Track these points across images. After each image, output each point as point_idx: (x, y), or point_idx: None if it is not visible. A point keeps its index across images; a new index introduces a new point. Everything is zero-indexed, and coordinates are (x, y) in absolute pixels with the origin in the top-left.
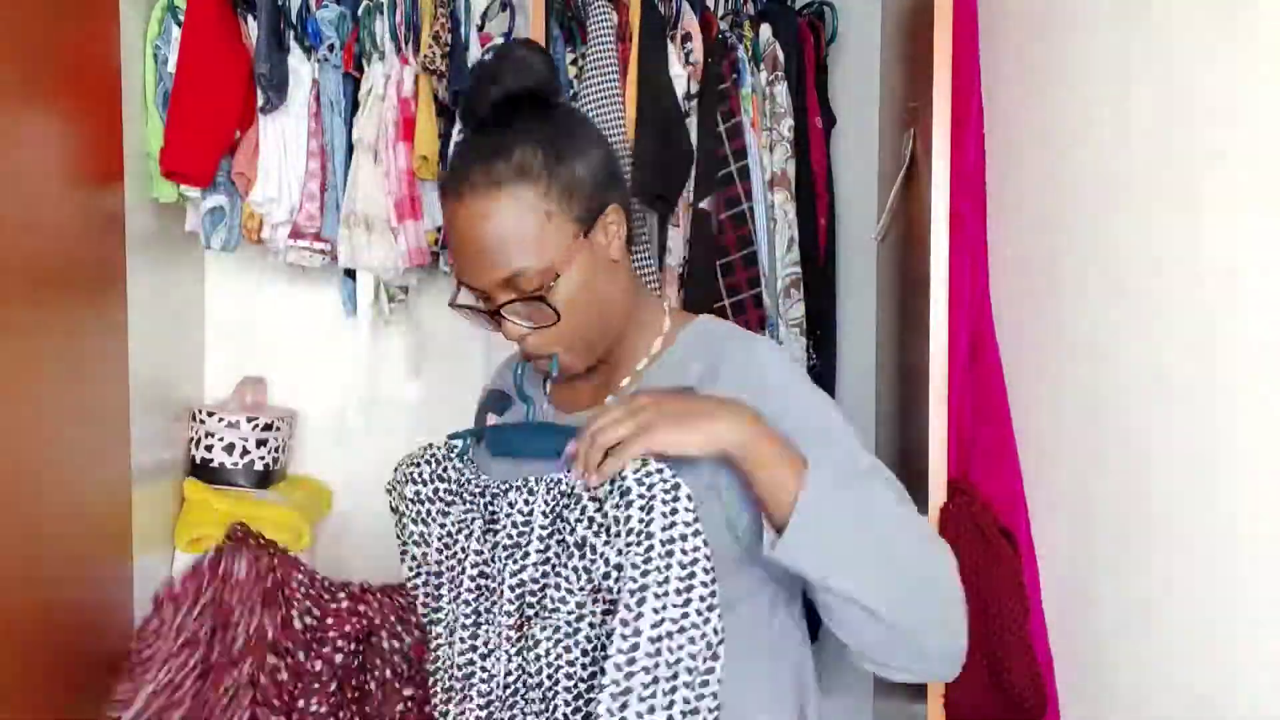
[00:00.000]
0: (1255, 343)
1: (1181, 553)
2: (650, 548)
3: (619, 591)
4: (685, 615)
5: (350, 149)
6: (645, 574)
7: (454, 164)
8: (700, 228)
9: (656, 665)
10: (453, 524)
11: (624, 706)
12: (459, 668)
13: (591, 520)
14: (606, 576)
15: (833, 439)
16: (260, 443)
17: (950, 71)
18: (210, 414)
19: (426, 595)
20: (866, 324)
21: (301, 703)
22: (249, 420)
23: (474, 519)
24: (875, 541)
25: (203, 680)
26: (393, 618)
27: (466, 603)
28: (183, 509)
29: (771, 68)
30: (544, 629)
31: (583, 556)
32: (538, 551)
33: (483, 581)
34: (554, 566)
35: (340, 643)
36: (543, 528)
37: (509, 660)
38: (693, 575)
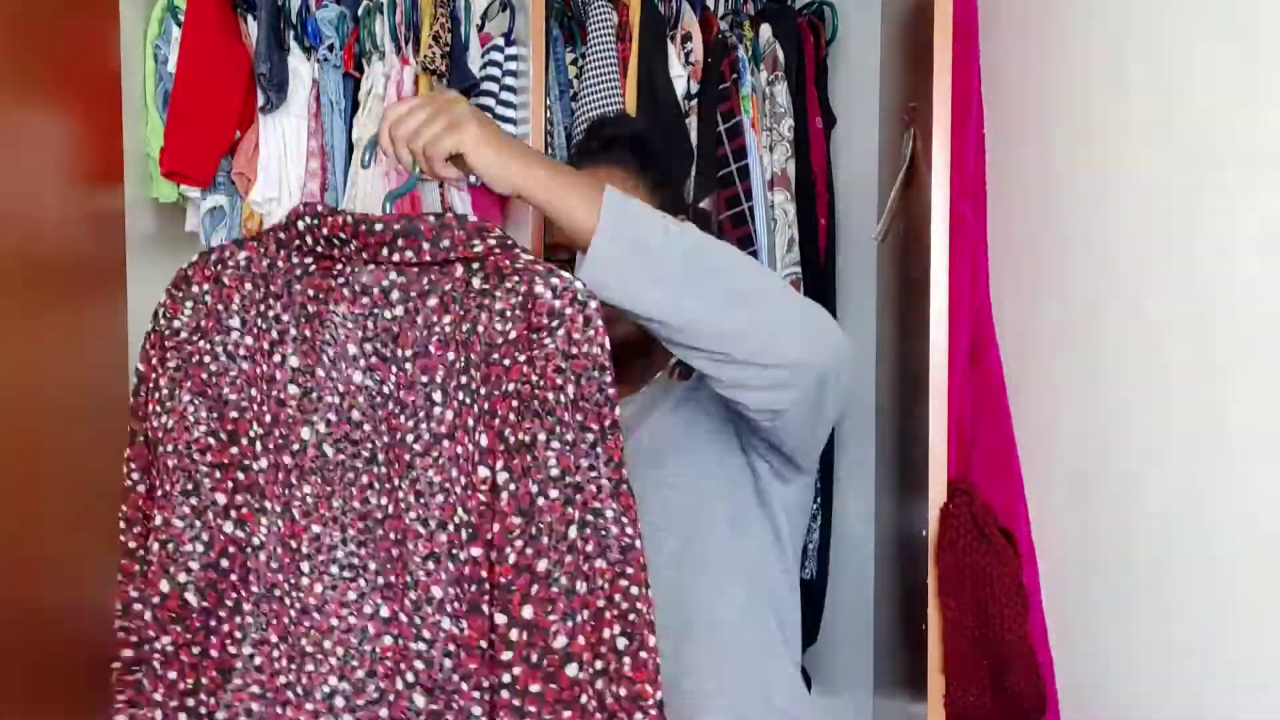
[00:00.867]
0: (1255, 343)
1: (1181, 553)
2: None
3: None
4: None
5: (350, 149)
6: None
7: None
8: (700, 227)
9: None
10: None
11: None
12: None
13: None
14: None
15: None
16: None
17: (950, 71)
18: None
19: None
20: (867, 324)
21: None
22: None
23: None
24: (684, 252)
25: None
26: None
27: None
28: None
29: (771, 68)
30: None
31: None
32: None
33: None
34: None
35: None
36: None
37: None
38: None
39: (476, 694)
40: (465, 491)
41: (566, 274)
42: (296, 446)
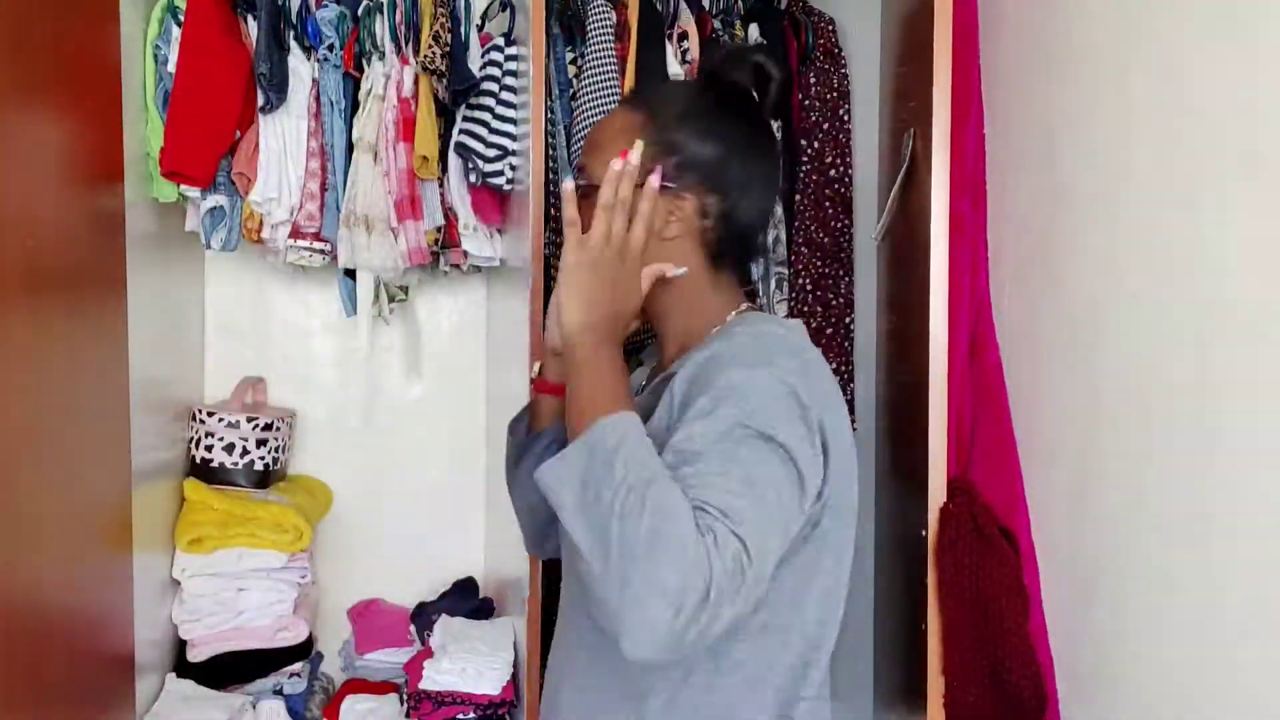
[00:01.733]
0: (1254, 343)
1: (1181, 553)
2: None
3: None
4: None
5: (350, 149)
6: None
7: None
8: None
9: None
10: None
11: None
12: None
13: None
14: None
15: (711, 410)
16: (260, 443)
17: (950, 71)
18: (210, 414)
19: None
20: (867, 324)
21: None
22: (249, 420)
23: None
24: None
25: None
26: None
27: None
28: (183, 509)
29: None
30: None
31: None
32: None
33: None
34: None
35: None
36: None
37: None
38: None
39: None
40: None
41: None
42: None
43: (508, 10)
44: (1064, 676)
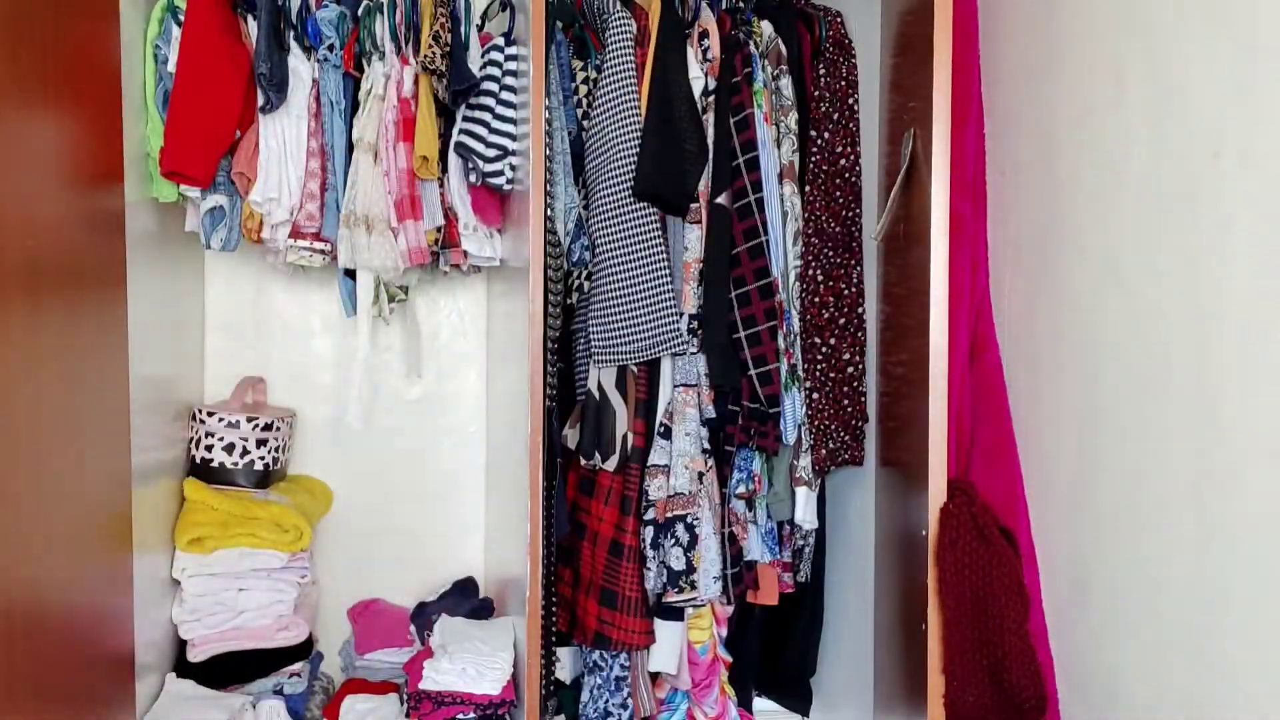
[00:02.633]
0: (1253, 342)
1: (1180, 552)
2: None
3: None
4: None
5: (350, 149)
6: None
7: None
8: (718, 223)
9: None
10: None
11: None
12: None
13: None
14: None
15: None
16: (260, 443)
17: (950, 71)
18: (210, 414)
19: None
20: (867, 324)
21: None
22: (249, 420)
23: None
24: None
25: None
26: None
27: None
28: (183, 509)
29: (776, 63)
30: None
31: None
32: None
33: None
34: None
35: None
36: None
37: None
38: None
39: None
40: None
41: None
42: None
43: (508, 10)
44: (1064, 676)
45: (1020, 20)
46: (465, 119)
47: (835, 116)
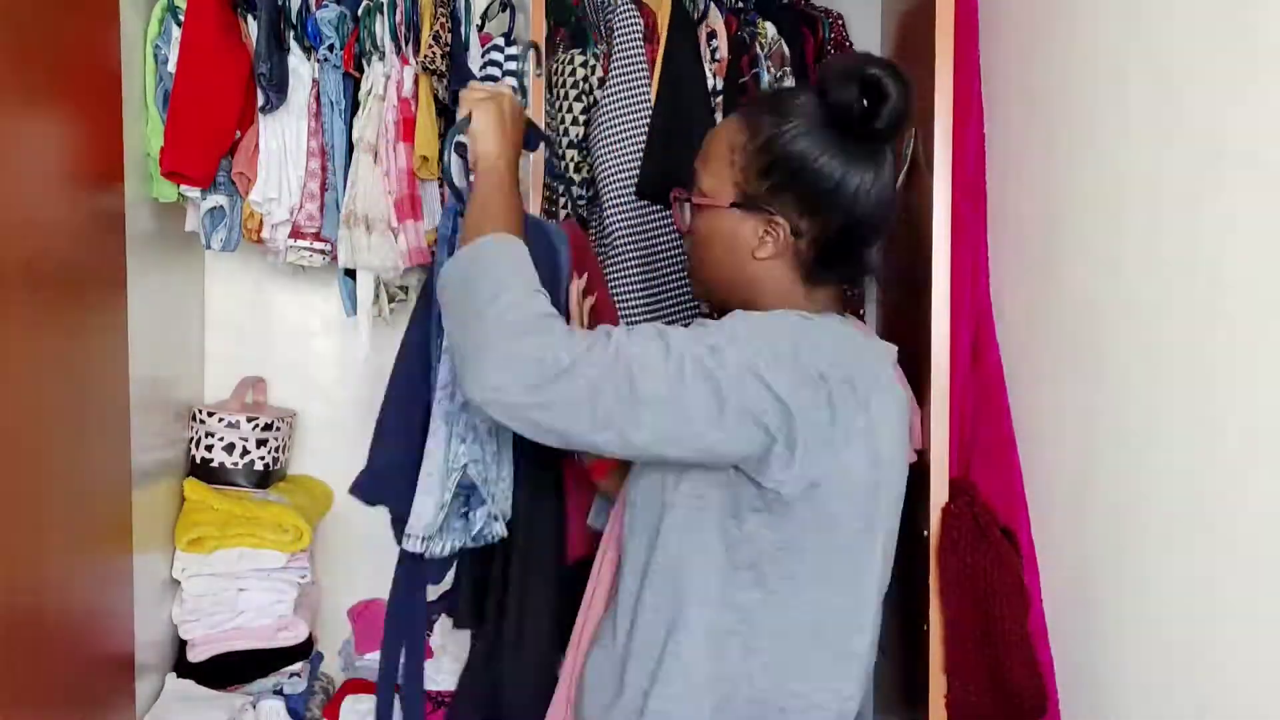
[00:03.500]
0: (1254, 343)
1: (1181, 552)
2: None
3: None
4: None
5: (350, 149)
6: None
7: None
8: None
9: None
10: None
11: None
12: None
13: None
14: None
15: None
16: (260, 443)
17: (950, 72)
18: (210, 414)
19: None
20: (867, 323)
21: None
22: (249, 420)
23: None
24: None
25: None
26: None
27: None
28: (183, 509)
29: (779, 64)
30: None
31: None
32: None
33: None
34: None
35: None
36: None
37: None
38: None
39: None
40: None
41: None
42: None
43: (508, 10)
44: (1064, 676)
45: (1020, 20)
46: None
47: None
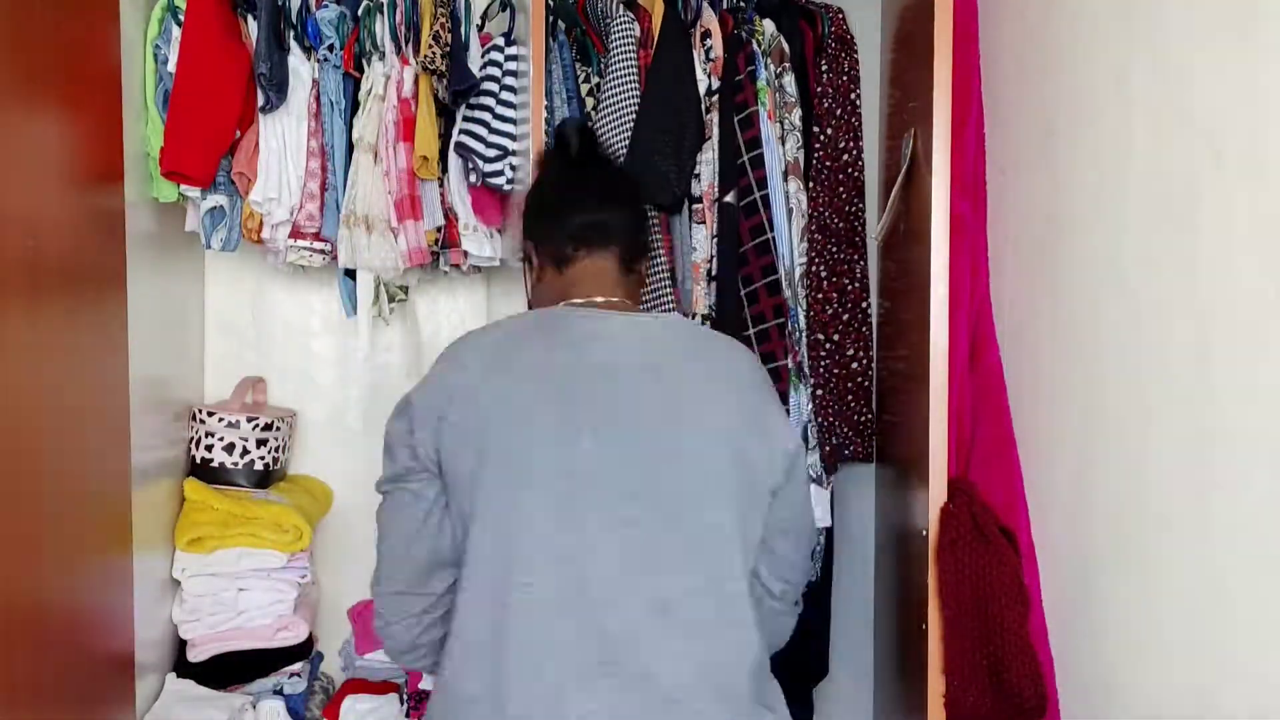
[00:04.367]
0: (1254, 343)
1: (1180, 552)
2: None
3: None
4: None
5: (350, 149)
6: None
7: None
8: (726, 221)
9: None
10: None
11: None
12: None
13: None
14: None
15: None
16: (260, 442)
17: (950, 71)
18: (210, 414)
19: None
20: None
21: None
22: (249, 420)
23: None
24: None
25: None
26: None
27: None
28: (183, 509)
29: (779, 60)
30: None
31: None
32: None
33: None
34: None
35: None
36: None
37: None
38: None
39: None
40: None
41: None
42: None
43: (508, 10)
44: (1064, 676)
45: (1020, 19)
46: (465, 119)
47: (838, 112)
